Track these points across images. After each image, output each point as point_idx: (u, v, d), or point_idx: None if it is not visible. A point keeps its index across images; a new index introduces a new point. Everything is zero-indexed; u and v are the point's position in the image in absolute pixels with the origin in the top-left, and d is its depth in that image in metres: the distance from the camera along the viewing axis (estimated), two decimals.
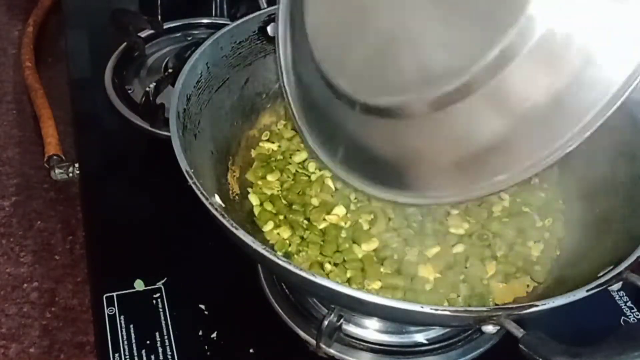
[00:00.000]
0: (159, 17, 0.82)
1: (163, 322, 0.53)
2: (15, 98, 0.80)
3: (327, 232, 0.53)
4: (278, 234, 0.54)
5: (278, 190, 0.57)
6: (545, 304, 0.40)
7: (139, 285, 0.55)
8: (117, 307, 0.54)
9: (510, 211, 0.56)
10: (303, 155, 0.59)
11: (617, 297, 0.58)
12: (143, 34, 0.82)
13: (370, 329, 0.53)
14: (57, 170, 0.68)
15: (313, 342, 0.51)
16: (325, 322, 0.48)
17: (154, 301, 0.54)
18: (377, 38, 0.45)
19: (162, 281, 0.56)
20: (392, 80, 0.44)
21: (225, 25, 0.59)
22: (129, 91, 0.76)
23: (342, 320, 0.49)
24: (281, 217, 0.55)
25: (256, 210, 0.56)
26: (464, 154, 0.44)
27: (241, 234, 0.42)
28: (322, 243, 0.53)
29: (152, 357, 0.51)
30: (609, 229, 0.51)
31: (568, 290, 0.41)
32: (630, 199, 0.51)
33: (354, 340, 0.52)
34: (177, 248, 0.59)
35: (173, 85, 0.53)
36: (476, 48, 0.39)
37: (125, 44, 0.80)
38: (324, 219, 0.54)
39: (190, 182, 0.44)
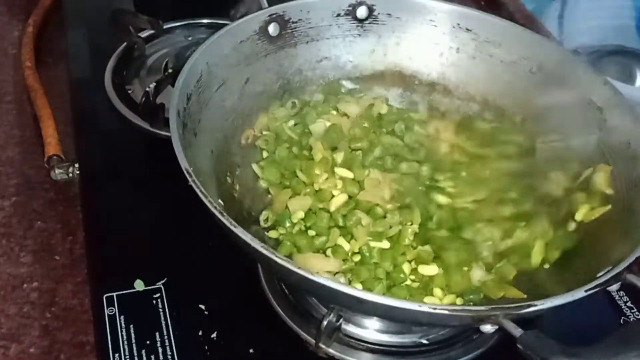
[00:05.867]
0: (159, 17, 0.82)
1: (163, 322, 0.53)
2: (15, 98, 0.80)
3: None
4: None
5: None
6: (543, 304, 0.40)
7: (139, 285, 0.55)
8: (117, 307, 0.54)
9: None
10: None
11: (617, 297, 0.58)
12: (143, 34, 0.82)
13: (370, 329, 0.53)
14: (57, 170, 0.68)
15: (313, 342, 0.51)
16: (325, 322, 0.48)
17: (154, 301, 0.54)
18: None
19: (162, 281, 0.56)
20: None
21: (225, 25, 0.59)
22: (129, 91, 0.75)
23: (341, 320, 0.49)
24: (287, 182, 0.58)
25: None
26: None
27: (240, 232, 0.42)
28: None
29: (152, 357, 0.51)
30: (608, 230, 0.51)
31: (567, 290, 0.41)
32: (629, 200, 0.51)
33: (353, 341, 0.53)
34: (177, 248, 0.59)
35: (173, 85, 0.53)
36: None
37: (125, 44, 0.80)
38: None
39: (190, 180, 0.44)
